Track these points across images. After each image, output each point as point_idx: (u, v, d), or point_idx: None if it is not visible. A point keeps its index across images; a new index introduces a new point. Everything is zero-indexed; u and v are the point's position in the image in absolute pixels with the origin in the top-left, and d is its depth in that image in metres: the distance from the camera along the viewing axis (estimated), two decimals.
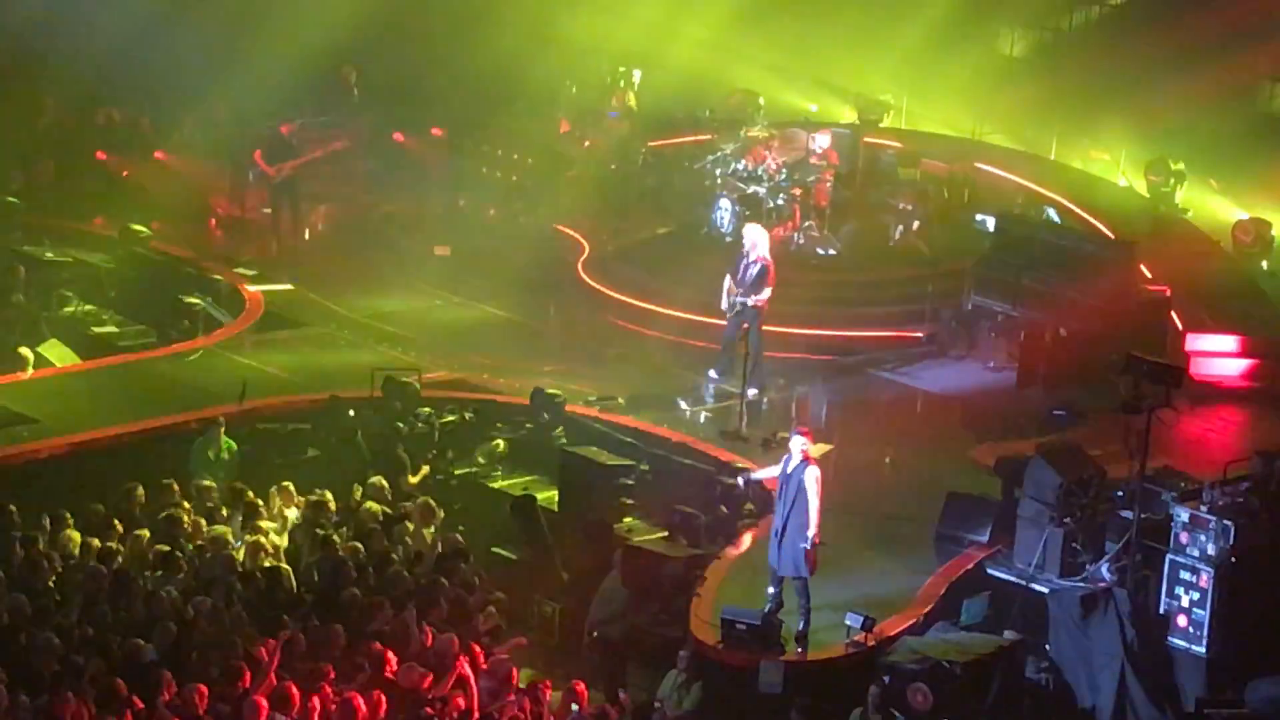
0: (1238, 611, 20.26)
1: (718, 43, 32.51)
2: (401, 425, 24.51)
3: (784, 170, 29.74)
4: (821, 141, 30.15)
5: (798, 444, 20.46)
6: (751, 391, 25.88)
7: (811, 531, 20.01)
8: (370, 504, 22.17)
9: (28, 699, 17.28)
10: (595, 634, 21.36)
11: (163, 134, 32.64)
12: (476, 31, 32.82)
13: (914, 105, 33.91)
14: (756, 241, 26.23)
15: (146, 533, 21.40)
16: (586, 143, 30.75)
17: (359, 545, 21.21)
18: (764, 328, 25.98)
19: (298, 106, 32.61)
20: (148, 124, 32.76)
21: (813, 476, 20.27)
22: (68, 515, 21.47)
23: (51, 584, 20.15)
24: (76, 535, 21.16)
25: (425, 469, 24.13)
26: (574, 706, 19.03)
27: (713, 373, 27.20)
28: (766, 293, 25.85)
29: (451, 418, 24.87)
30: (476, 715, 18.76)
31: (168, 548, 20.95)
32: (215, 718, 17.83)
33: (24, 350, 26.44)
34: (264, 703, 17.58)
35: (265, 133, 31.73)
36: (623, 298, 29.07)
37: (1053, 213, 30.49)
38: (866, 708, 19.19)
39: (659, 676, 20.22)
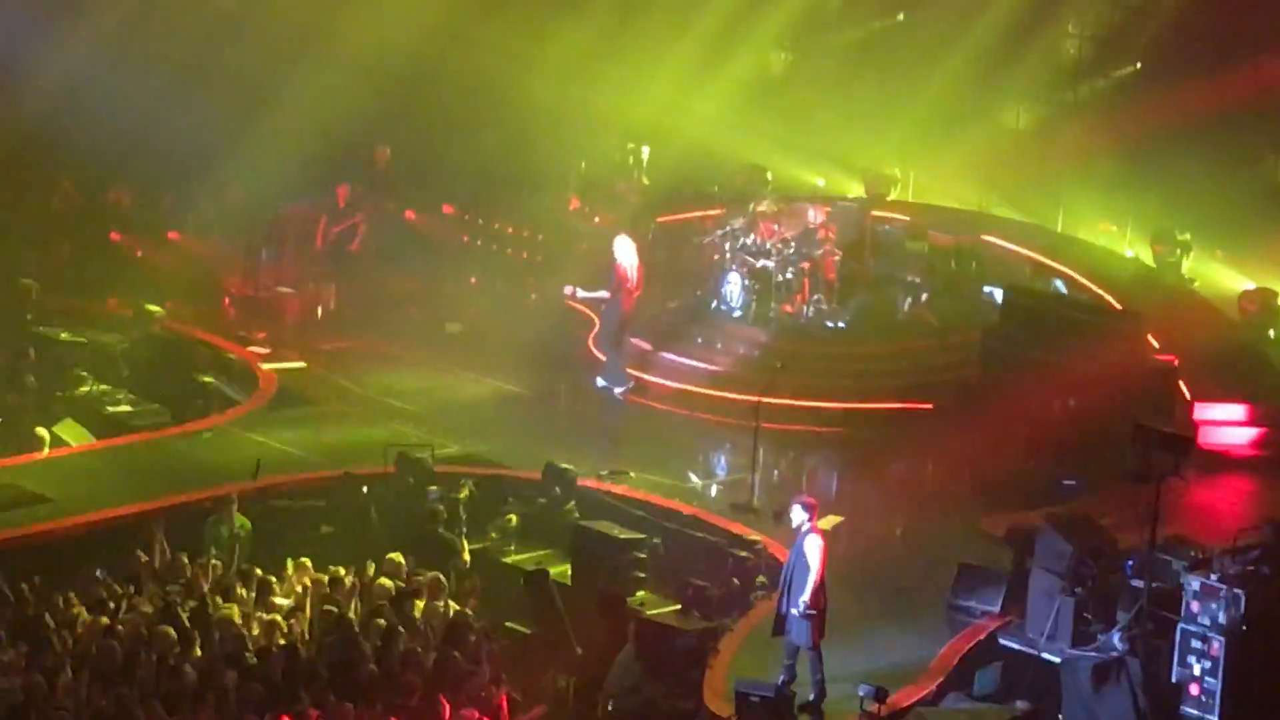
0: (1250, 680, 20.21)
1: (725, 119, 32.60)
2: (440, 508, 24.43)
3: (792, 244, 29.84)
4: (816, 216, 30.21)
5: (798, 514, 20.55)
6: (599, 382, 27.62)
7: (805, 598, 20.07)
8: (383, 580, 22.20)
9: None
10: (611, 706, 21.31)
11: (176, 215, 32.66)
12: (487, 110, 32.93)
13: (921, 178, 33.96)
14: (618, 251, 28.12)
15: (150, 609, 21.50)
16: (597, 219, 30.84)
17: (376, 620, 21.29)
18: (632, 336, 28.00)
19: (316, 186, 32.60)
20: (162, 205, 32.78)
21: (814, 545, 20.26)
22: (73, 593, 21.51)
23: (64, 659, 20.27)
24: (84, 612, 21.24)
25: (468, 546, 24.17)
26: None
27: (600, 381, 28.49)
28: (602, 292, 28.04)
29: (465, 494, 24.89)
30: None
31: (175, 629, 21.04)
32: None
33: (40, 430, 26.52)
34: None
35: (284, 212, 31.95)
36: (633, 372, 29.04)
37: (1060, 284, 30.52)
38: None
39: None
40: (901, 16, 33.71)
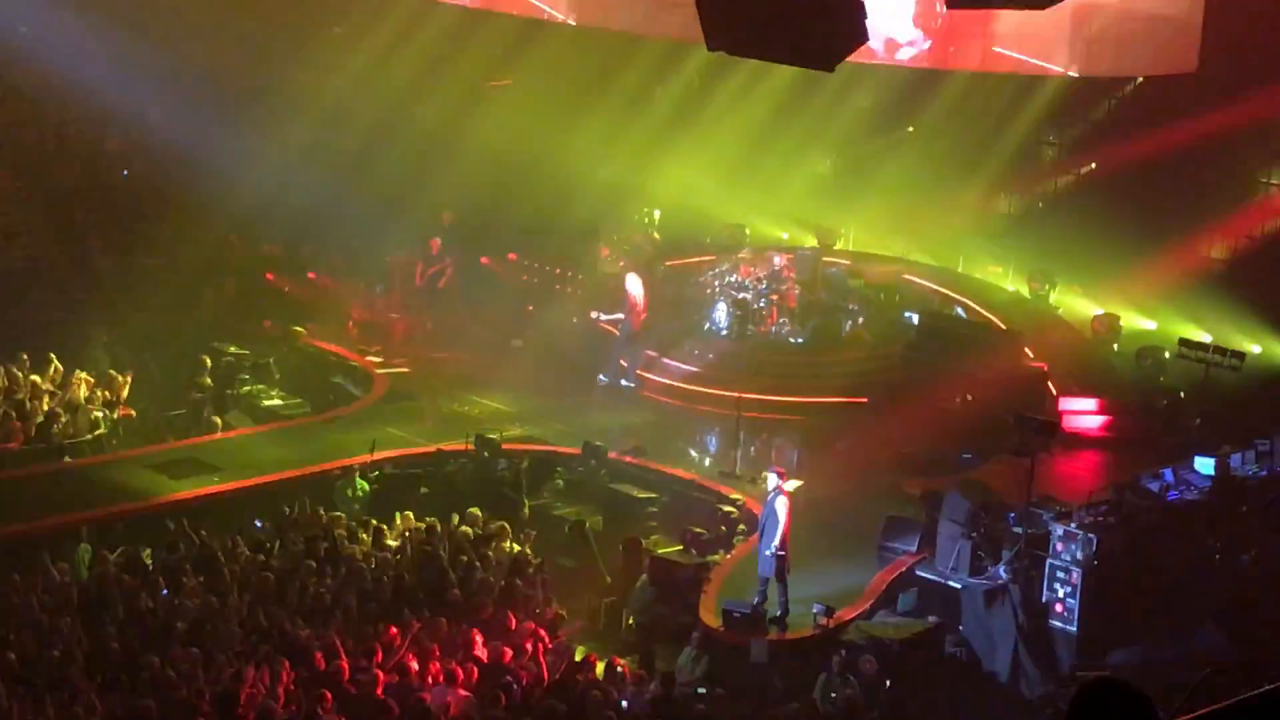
0: (1099, 600, 20.32)
1: (715, 190, 32.59)
2: (507, 475, 24.48)
3: (763, 282, 29.89)
4: (781, 261, 30.26)
5: (771, 479, 20.75)
6: (601, 379, 28.02)
7: (776, 543, 20.19)
8: (464, 528, 22.26)
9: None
10: (631, 620, 21.45)
11: (313, 260, 32.70)
12: (541, 183, 32.91)
13: (858, 233, 33.85)
14: (629, 285, 28.40)
15: (301, 547, 21.58)
16: (620, 263, 30.87)
17: (460, 557, 21.35)
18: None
19: (413, 240, 32.65)
20: (302, 253, 32.83)
21: (782, 504, 20.52)
22: (239, 537, 21.69)
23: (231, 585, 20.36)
24: (246, 550, 21.31)
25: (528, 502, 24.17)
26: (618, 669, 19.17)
27: (601, 377, 28.48)
28: (619, 315, 28.73)
29: (525, 465, 24.91)
30: (545, 680, 18.81)
31: (314, 563, 21.12)
32: (356, 686, 17.90)
33: (214, 418, 26.70)
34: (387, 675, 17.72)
35: (391, 259, 31.99)
36: (642, 373, 29.03)
37: (960, 310, 30.52)
38: (829, 674, 19.27)
39: (677, 652, 20.27)
40: (865, 103, 33.37)
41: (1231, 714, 3.11)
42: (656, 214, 33.33)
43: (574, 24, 28.69)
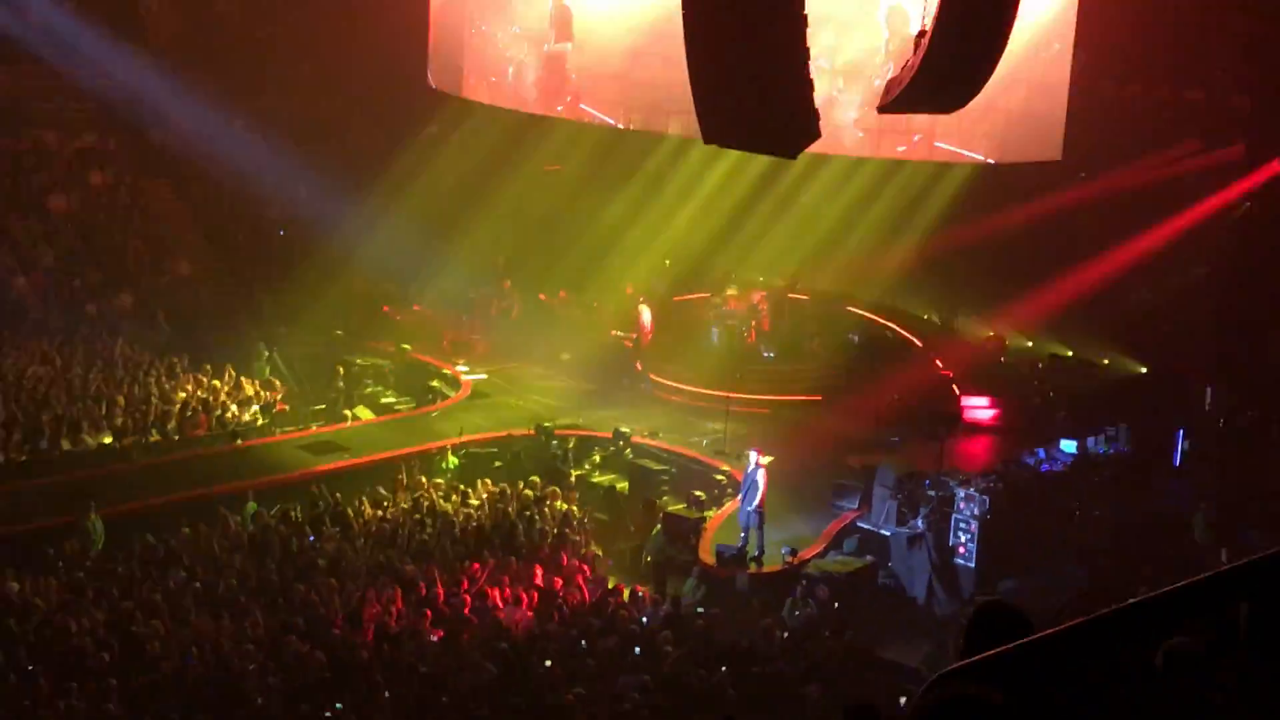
0: (990, 545, 20.37)
1: (709, 244, 32.44)
2: (559, 452, 24.56)
3: (746, 312, 29.94)
4: (756, 297, 30.24)
5: (751, 456, 20.80)
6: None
7: (756, 503, 20.31)
8: (527, 490, 22.34)
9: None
10: (648, 559, 21.50)
11: (417, 295, 32.78)
12: (583, 237, 32.83)
13: (815, 277, 33.53)
14: (641, 313, 28.84)
15: (409, 505, 21.67)
16: (641, 299, 30.82)
17: (525, 513, 21.44)
18: None
19: (490, 280, 32.71)
20: (409, 290, 32.87)
21: (761, 475, 20.54)
22: (363, 498, 21.76)
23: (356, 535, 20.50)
24: (368, 508, 21.42)
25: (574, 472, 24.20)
26: (639, 595, 19.26)
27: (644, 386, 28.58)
28: (634, 335, 29.05)
29: (572, 445, 24.98)
30: (586, 602, 18.90)
31: (420, 516, 21.23)
32: (449, 607, 17.99)
33: (346, 411, 26.84)
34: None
35: (473, 294, 32.05)
36: (659, 379, 29.00)
37: (889, 334, 30.46)
38: (794, 598, 19.35)
39: (683, 582, 20.35)
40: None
41: (1088, 628, 3.19)
42: (668, 262, 33.29)
43: (611, 124, 28.62)
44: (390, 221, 32.19)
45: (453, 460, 24.24)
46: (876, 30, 25.32)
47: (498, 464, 24.56)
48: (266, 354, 28.37)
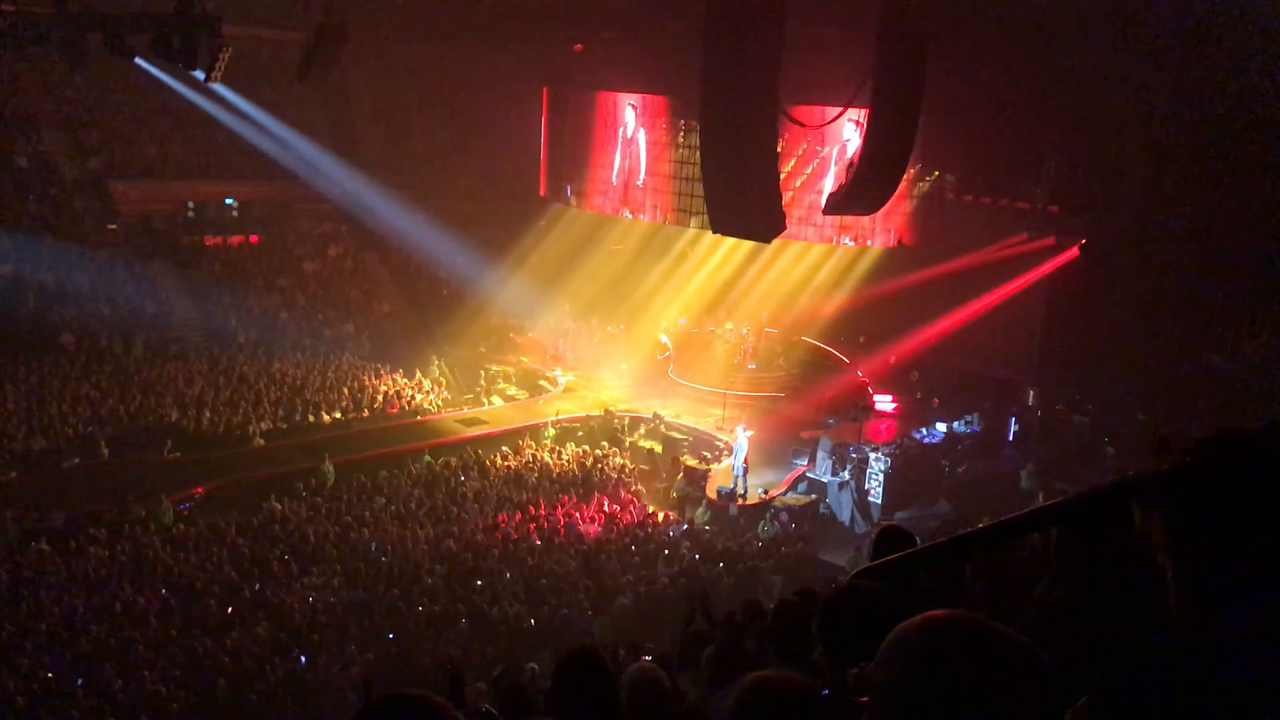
0: (891, 488, 20.05)
1: (717, 296, 31.77)
2: (619, 425, 24.22)
3: (738, 339, 29.59)
4: (744, 331, 29.78)
5: (740, 430, 20.48)
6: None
7: (741, 460, 19.99)
8: (597, 451, 22.15)
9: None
10: (674, 495, 21.27)
11: (531, 326, 32.53)
12: (631, 294, 32.16)
13: (782, 318, 32.50)
14: (664, 339, 28.09)
15: (527, 457, 21.40)
16: (662, 330, 30.30)
17: (595, 465, 21.18)
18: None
19: (577, 320, 32.19)
20: (522, 324, 32.56)
21: (745, 442, 20.25)
22: (495, 454, 21.32)
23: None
24: (499, 459, 21.18)
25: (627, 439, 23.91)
26: (670, 517, 19.00)
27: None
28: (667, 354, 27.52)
29: (626, 421, 24.68)
30: (635, 521, 18.68)
31: (529, 464, 20.98)
32: (547, 523, 17.84)
33: (484, 399, 26.62)
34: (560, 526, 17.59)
35: (570, 327, 31.58)
36: (680, 380, 28.58)
37: (827, 354, 29.77)
38: (765, 521, 19.08)
39: (696, 510, 20.12)
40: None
41: (952, 545, 3.05)
42: (682, 320, 32.71)
43: (652, 221, 28.24)
44: (514, 280, 32.10)
45: (551, 431, 24.10)
46: (825, 161, 25.18)
47: (580, 433, 24.35)
48: (437, 362, 28.22)
